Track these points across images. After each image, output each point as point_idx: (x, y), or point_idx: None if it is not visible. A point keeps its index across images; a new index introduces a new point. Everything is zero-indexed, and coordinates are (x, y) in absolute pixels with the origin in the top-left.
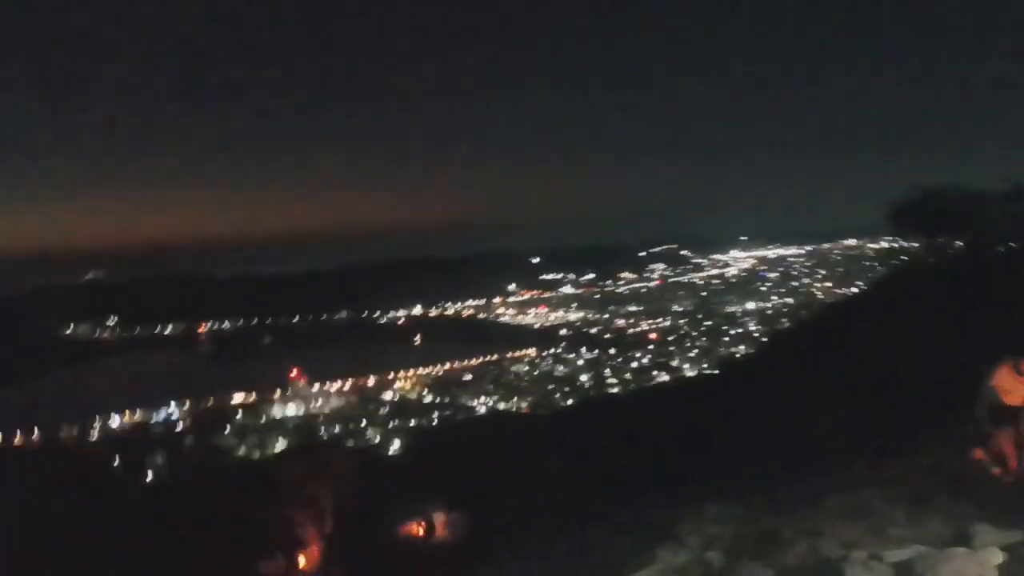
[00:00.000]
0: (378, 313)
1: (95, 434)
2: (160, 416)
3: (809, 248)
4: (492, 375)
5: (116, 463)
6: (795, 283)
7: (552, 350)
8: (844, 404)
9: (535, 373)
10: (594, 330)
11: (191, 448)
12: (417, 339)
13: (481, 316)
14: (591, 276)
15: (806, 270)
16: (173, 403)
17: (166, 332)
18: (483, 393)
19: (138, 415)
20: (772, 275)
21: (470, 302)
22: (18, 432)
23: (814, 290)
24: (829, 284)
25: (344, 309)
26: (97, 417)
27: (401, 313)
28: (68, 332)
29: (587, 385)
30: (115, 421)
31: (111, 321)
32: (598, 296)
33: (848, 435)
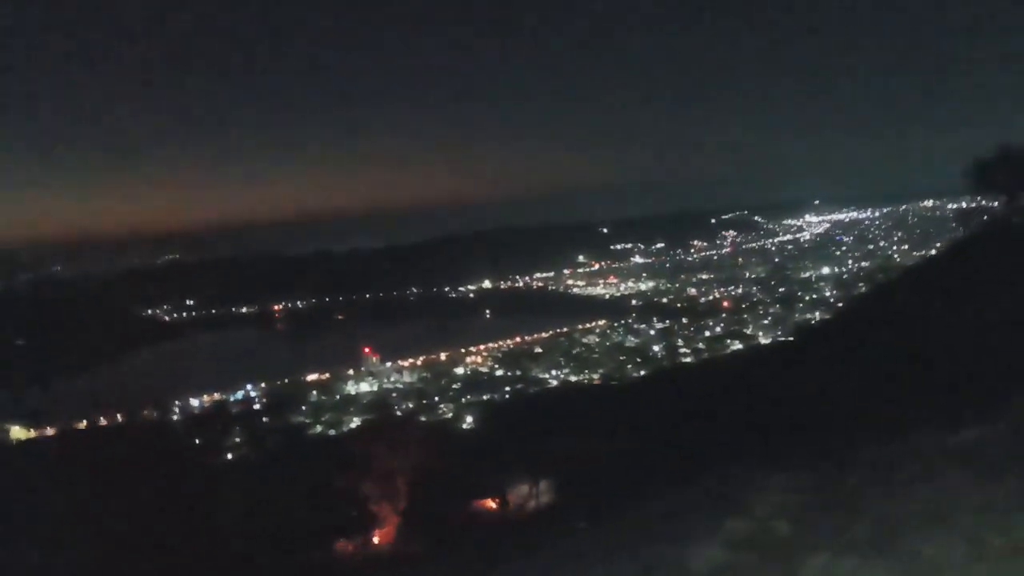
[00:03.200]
0: (448, 288)
1: (175, 414)
2: (238, 395)
3: (886, 210)
4: (563, 347)
5: (196, 442)
6: (871, 246)
7: (623, 320)
8: (921, 370)
9: (606, 344)
10: (665, 299)
11: (268, 426)
12: (488, 312)
13: (551, 288)
14: (661, 245)
15: (882, 233)
16: (249, 382)
17: (242, 311)
18: (554, 365)
19: (216, 395)
20: (847, 239)
21: (540, 274)
22: (101, 413)
23: (891, 253)
24: (907, 247)
25: (415, 285)
26: (177, 397)
27: (471, 287)
28: (147, 313)
29: (659, 355)
30: (194, 401)
31: (189, 302)
32: (669, 265)
33: (924, 402)
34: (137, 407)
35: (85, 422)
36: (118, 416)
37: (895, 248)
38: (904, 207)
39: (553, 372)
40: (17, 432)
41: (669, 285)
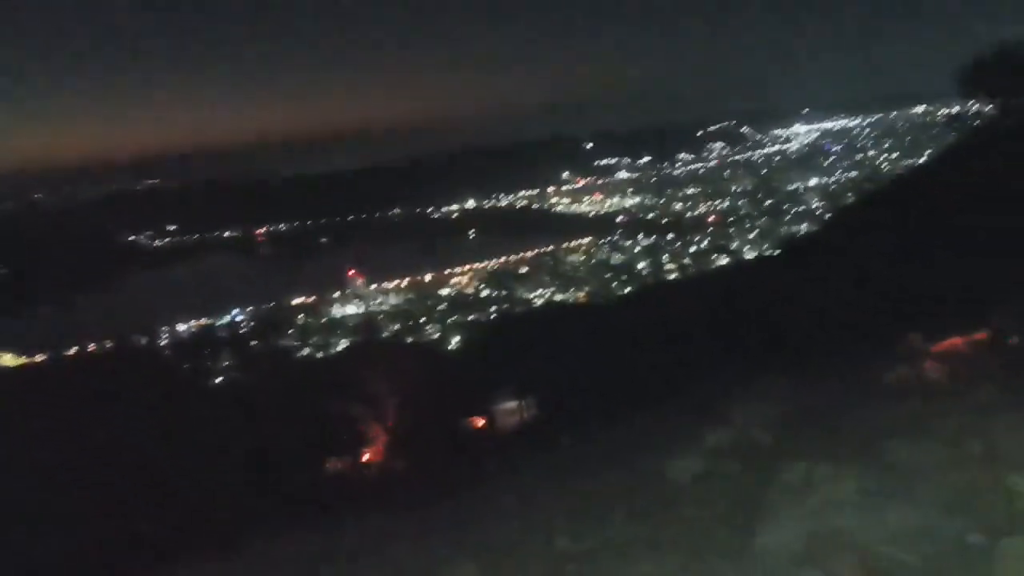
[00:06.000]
0: (432, 208)
1: (164, 339)
2: (225, 320)
3: (875, 117)
4: (548, 266)
5: (186, 366)
6: (860, 156)
7: (608, 238)
8: (907, 281)
9: (592, 263)
10: (651, 215)
11: (256, 350)
12: (472, 233)
13: (535, 206)
14: (647, 159)
15: (872, 141)
16: (236, 307)
17: (225, 236)
18: (540, 285)
19: (203, 320)
20: (836, 148)
21: (523, 192)
22: (90, 339)
23: (880, 162)
24: (896, 155)
25: (398, 205)
26: (164, 323)
27: (455, 207)
28: (131, 239)
29: (645, 272)
30: (181, 326)
31: (171, 227)
32: (655, 180)
33: (911, 312)
34: (125, 333)
35: (75, 349)
36: (107, 342)
37: (884, 156)
38: (895, 113)
39: (539, 292)
40: (7, 360)
41: (655, 200)
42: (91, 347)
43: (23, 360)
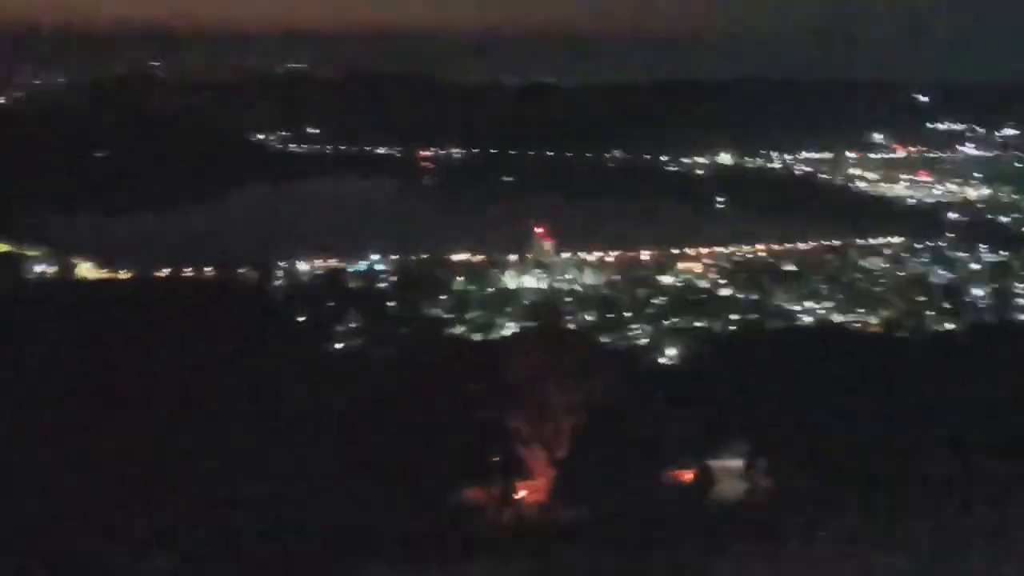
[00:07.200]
0: (666, 156)
1: (278, 278)
2: (360, 266)
3: None
4: (830, 268)
5: (300, 320)
6: None
7: (932, 241)
8: None
9: (899, 274)
10: (1007, 218)
11: (395, 313)
12: (720, 201)
13: (824, 176)
14: (1013, 132)
15: None
16: (377, 251)
17: (379, 151)
18: (812, 294)
19: (332, 261)
20: None
21: (808, 153)
22: (189, 262)
23: None
24: None
25: (617, 145)
26: (282, 256)
27: (700, 159)
28: (257, 139)
29: (982, 302)
30: (303, 265)
31: (313, 130)
32: (1021, 165)
33: None
34: (233, 262)
35: (167, 270)
36: (208, 269)
37: None
38: None
39: (808, 304)
40: (85, 270)
41: (1016, 197)
42: (187, 271)
43: (104, 273)
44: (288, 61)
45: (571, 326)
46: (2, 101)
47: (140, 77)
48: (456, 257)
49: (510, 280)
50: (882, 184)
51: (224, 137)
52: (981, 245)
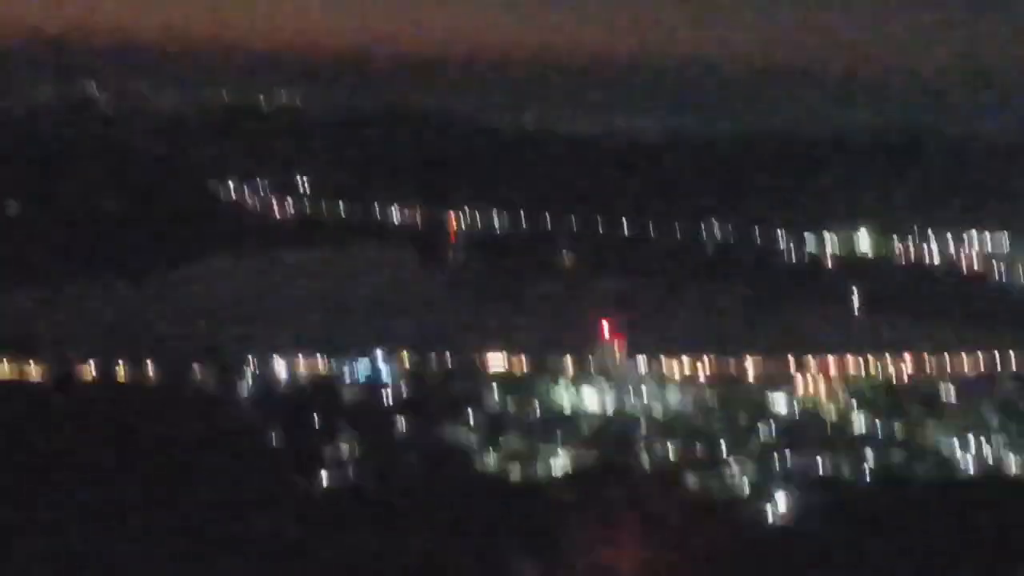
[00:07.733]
0: (783, 236)
1: (246, 382)
2: (357, 367)
3: None
4: (1006, 392)
5: (273, 437)
6: None
7: None
8: None
9: None
10: None
11: (403, 439)
12: (855, 296)
13: (1000, 269)
14: None
15: None
16: (381, 346)
17: (390, 214)
18: (981, 430)
19: (321, 359)
20: None
21: (983, 233)
22: (124, 355)
23: None
24: None
25: (717, 215)
26: (255, 351)
27: (830, 240)
28: (232, 194)
29: None
30: (281, 365)
31: (303, 178)
32: None
33: None
34: (183, 357)
35: (93, 367)
36: (149, 365)
37: None
38: None
39: (973, 447)
40: None
41: None
42: (120, 369)
43: (7, 371)
44: (273, 92)
45: (645, 463)
46: None
47: (70, 108)
48: (490, 361)
49: (563, 396)
50: None
51: (181, 189)
52: None
